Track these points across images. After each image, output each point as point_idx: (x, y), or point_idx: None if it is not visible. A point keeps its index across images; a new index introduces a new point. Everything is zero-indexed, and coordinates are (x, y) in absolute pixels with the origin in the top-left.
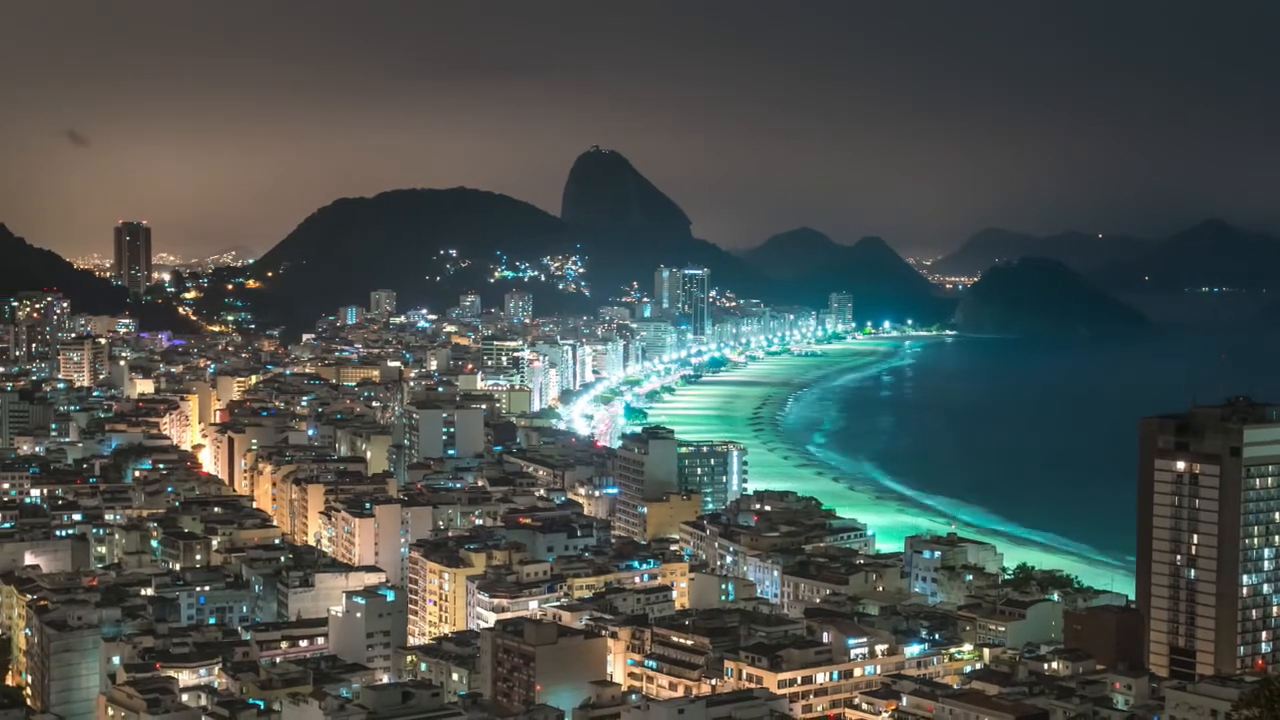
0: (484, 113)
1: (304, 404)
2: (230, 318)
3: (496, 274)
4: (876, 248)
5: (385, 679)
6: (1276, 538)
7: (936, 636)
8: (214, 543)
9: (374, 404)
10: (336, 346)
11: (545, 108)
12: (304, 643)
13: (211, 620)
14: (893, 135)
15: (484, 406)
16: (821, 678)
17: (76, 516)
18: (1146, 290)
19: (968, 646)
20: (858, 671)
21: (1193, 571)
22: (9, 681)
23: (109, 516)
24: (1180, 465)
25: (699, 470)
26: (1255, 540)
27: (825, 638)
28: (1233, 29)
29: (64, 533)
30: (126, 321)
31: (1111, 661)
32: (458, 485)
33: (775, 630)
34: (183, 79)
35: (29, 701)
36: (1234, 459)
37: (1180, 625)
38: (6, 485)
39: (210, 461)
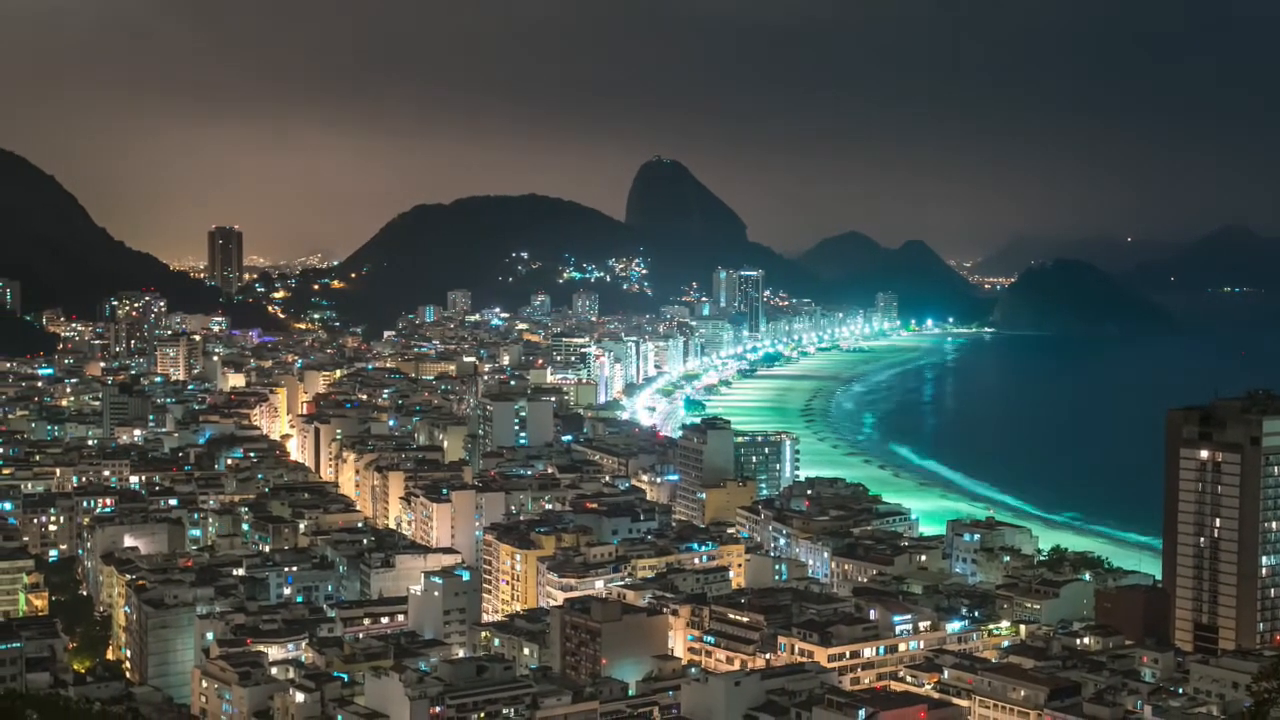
0: (554, 126)
1: (385, 396)
2: (316, 316)
3: (565, 275)
4: (920, 250)
5: (461, 653)
6: None
7: (976, 614)
8: (301, 526)
9: (450, 396)
10: (415, 343)
11: (612, 121)
12: (385, 620)
13: (299, 599)
14: (935, 146)
15: (553, 399)
16: (868, 652)
17: (173, 502)
18: (1172, 290)
19: (1005, 623)
20: (902, 646)
21: (1216, 553)
22: (109, 655)
23: (203, 501)
24: (1204, 454)
25: (754, 458)
26: (1274, 524)
27: (872, 615)
28: (1254, 39)
29: (161, 517)
30: (219, 319)
31: (1139, 637)
32: (529, 472)
33: (825, 608)
34: (272, 95)
35: (128, 674)
36: (1254, 448)
37: (1204, 603)
38: (108, 472)
39: (297, 450)
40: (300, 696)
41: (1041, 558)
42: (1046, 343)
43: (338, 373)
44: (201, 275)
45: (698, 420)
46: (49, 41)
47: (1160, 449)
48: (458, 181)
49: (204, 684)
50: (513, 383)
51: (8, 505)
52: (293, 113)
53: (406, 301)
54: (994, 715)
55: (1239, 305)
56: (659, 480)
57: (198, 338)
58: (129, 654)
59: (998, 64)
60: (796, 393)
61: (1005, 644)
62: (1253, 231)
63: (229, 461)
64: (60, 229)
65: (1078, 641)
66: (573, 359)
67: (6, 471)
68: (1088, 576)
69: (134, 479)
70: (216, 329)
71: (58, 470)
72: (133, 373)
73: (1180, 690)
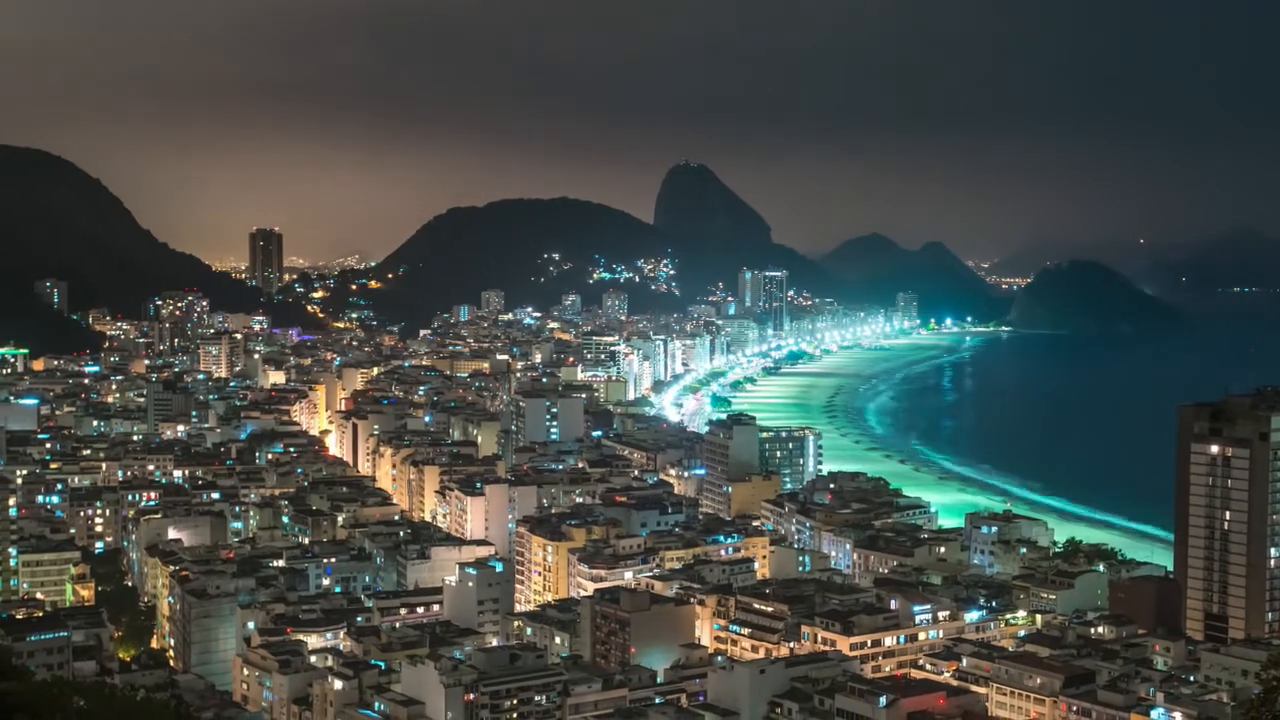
0: (584, 130)
1: (421, 393)
2: (354, 315)
3: (595, 275)
4: (939, 252)
5: (494, 642)
6: None
7: (993, 604)
8: (339, 519)
9: (484, 393)
10: (450, 341)
11: (640, 126)
12: (421, 609)
13: (337, 589)
14: (954, 150)
15: (584, 396)
16: (889, 641)
17: (215, 495)
18: (1184, 291)
19: (1021, 613)
20: (922, 635)
21: (1225, 545)
22: (154, 644)
23: (244, 495)
24: (1214, 449)
25: (778, 453)
26: None
27: (893, 605)
28: (1268, 46)
29: (204, 510)
30: (260, 318)
31: (1152, 627)
32: (560, 467)
33: (847, 598)
34: (310, 100)
35: (172, 662)
36: (1263, 443)
37: (1214, 593)
38: (152, 467)
39: (336, 445)
40: (338, 684)
41: (1057, 550)
42: (1062, 341)
43: (375, 370)
44: (243, 276)
45: (724, 416)
46: (93, 49)
47: (1172, 444)
48: (491, 185)
49: (245, 672)
50: (544, 380)
51: (55, 498)
52: (331, 118)
53: (442, 301)
54: (1011, 702)
55: (1249, 305)
56: (686, 474)
57: (239, 336)
58: (173, 643)
59: (1014, 75)
60: (819, 390)
61: (1022, 633)
62: (1262, 233)
63: (269, 456)
64: (106, 231)
65: (1092, 631)
66: (603, 357)
67: (54, 466)
68: (1101, 568)
69: (177, 473)
70: (257, 328)
71: (104, 465)
72: (176, 370)
73: (1191, 678)
